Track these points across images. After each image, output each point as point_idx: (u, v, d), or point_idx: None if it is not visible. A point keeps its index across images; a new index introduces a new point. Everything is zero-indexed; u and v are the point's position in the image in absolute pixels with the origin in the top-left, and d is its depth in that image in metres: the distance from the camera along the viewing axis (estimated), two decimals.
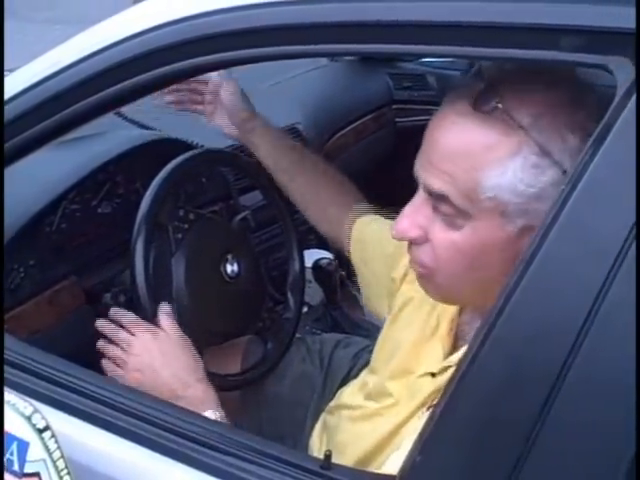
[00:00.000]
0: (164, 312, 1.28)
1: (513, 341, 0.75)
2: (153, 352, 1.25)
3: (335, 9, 0.89)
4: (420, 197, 0.99)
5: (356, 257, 1.42)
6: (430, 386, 1.09)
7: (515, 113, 0.90)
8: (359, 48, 0.95)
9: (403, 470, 0.81)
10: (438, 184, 0.95)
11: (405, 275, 1.25)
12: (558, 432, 0.72)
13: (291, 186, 1.48)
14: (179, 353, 1.25)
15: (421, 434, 0.80)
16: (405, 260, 1.23)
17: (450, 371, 1.06)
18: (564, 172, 0.89)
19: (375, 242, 1.37)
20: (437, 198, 0.96)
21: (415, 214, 0.99)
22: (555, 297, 0.74)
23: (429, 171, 0.96)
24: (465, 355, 0.78)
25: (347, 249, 1.43)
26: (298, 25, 0.93)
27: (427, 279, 1.04)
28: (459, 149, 0.93)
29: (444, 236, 0.97)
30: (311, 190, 1.46)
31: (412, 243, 1.01)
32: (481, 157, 0.92)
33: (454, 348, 1.11)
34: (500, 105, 0.90)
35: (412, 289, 1.21)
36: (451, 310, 1.13)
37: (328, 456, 0.86)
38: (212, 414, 1.17)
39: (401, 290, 1.25)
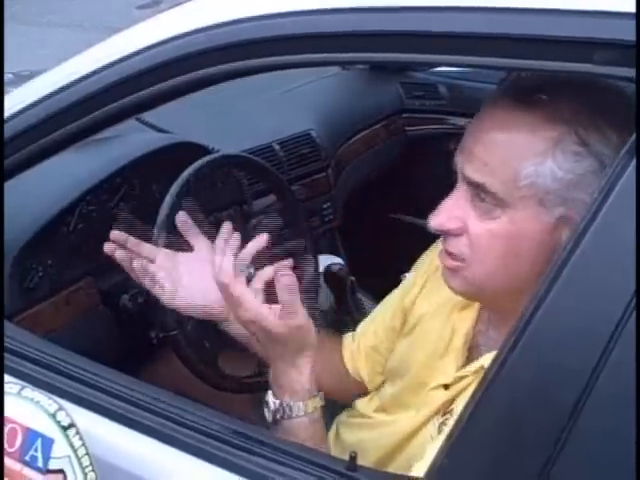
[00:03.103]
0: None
1: (542, 347, 0.76)
2: None
3: (352, 20, 0.91)
4: (459, 190, 1.01)
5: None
6: (442, 396, 1.10)
7: (557, 105, 0.93)
8: (380, 57, 0.97)
9: (429, 473, 0.82)
10: (478, 174, 0.97)
11: (417, 295, 1.25)
12: (586, 438, 0.74)
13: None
14: None
15: (448, 437, 0.81)
16: (415, 289, 1.24)
17: (464, 381, 1.07)
18: (602, 163, 0.92)
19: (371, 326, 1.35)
20: (476, 187, 0.98)
21: (453, 206, 1.00)
22: (585, 305, 0.75)
23: (470, 162, 0.98)
24: (494, 361, 0.79)
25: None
26: (320, 34, 0.94)
27: (458, 272, 1.03)
28: (501, 139, 0.96)
29: (482, 226, 0.98)
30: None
31: (448, 235, 1.02)
32: (522, 146, 0.95)
33: (469, 359, 1.11)
34: (544, 97, 0.93)
35: (426, 304, 1.21)
36: (465, 322, 1.13)
37: (353, 457, 0.87)
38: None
39: (415, 307, 1.25)
